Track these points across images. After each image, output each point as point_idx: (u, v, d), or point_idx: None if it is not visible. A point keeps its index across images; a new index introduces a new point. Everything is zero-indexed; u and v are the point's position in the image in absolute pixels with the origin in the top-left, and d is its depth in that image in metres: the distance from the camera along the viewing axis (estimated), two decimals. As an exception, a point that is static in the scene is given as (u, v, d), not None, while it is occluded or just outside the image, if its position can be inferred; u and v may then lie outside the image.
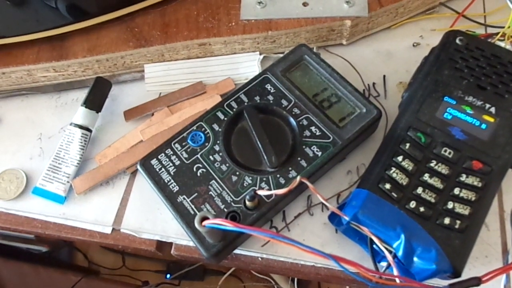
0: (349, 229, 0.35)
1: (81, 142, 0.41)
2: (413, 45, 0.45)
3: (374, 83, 0.43)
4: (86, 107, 0.41)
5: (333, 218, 0.35)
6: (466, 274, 0.30)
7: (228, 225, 0.27)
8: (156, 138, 0.41)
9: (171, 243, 0.38)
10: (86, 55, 0.43)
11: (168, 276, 1.04)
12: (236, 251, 0.37)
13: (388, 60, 0.45)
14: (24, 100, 0.47)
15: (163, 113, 0.43)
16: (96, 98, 0.42)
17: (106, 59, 0.43)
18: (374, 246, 0.33)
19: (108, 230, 0.39)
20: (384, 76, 0.44)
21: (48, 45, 0.44)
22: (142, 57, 0.44)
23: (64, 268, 1.01)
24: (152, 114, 0.43)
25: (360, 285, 0.36)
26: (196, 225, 0.28)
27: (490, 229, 0.36)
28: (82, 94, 0.45)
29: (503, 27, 0.41)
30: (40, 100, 0.46)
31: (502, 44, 0.40)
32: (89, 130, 0.41)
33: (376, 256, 0.34)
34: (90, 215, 0.39)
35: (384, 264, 0.34)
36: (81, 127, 0.41)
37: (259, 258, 0.37)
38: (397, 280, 0.29)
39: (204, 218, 0.28)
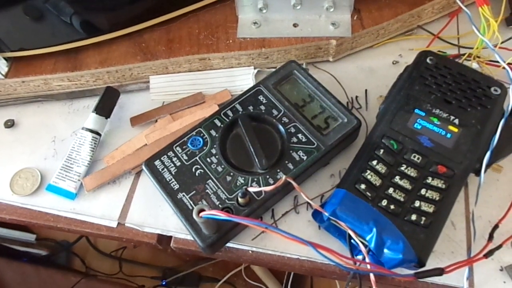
0: (330, 226, 0.38)
1: (91, 145, 0.44)
2: (393, 63, 0.50)
3: (357, 96, 0.47)
4: (96, 113, 0.45)
5: (316, 215, 0.39)
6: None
7: (222, 216, 0.31)
8: (159, 142, 0.45)
9: (170, 237, 0.42)
10: (98, 67, 0.47)
11: (163, 282, 1.04)
12: (229, 244, 0.40)
13: (370, 76, 0.49)
14: (39, 107, 0.50)
15: (166, 120, 0.47)
16: (106, 106, 0.46)
17: (116, 70, 0.47)
18: (352, 241, 0.37)
19: (114, 224, 0.42)
20: (366, 90, 0.48)
21: (64, 57, 0.48)
22: (148, 69, 0.48)
23: (64, 269, 1.04)
24: (156, 121, 0.47)
25: (339, 275, 0.40)
26: (194, 216, 0.32)
27: (457, 228, 0.40)
28: (93, 101, 0.49)
29: (473, 48, 0.44)
30: (54, 107, 0.50)
31: (468, 63, 0.44)
32: (99, 134, 0.45)
33: (354, 250, 0.38)
34: (98, 210, 0.43)
35: (360, 257, 0.37)
36: (91, 131, 0.45)
37: (250, 251, 0.40)
38: (369, 267, 0.33)
39: (201, 210, 0.32)
